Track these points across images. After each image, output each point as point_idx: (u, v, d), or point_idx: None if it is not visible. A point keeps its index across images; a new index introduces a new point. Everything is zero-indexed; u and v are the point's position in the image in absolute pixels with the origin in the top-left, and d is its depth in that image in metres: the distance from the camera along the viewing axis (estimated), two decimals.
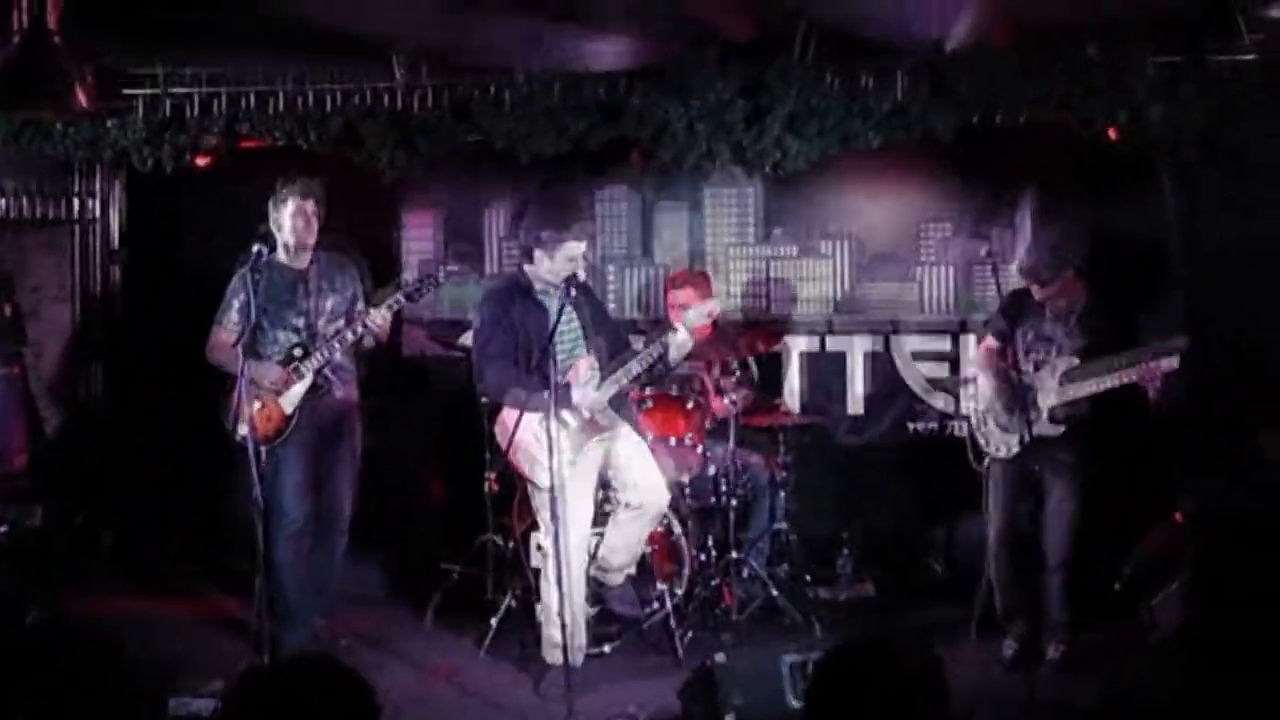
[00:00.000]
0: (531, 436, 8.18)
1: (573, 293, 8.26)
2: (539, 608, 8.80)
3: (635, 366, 8.42)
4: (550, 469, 7.92)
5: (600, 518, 8.67)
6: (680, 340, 8.41)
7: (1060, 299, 8.47)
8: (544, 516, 8.28)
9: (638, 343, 8.98)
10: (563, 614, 7.95)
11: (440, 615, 9.84)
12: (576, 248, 8.27)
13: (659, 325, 9.62)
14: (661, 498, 8.58)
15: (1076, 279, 8.46)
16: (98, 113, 10.12)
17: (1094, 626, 8.89)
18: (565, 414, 8.16)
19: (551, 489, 8.03)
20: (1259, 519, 7.52)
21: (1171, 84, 9.42)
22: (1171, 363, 8.04)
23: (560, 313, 8.31)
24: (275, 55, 10.15)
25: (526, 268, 8.43)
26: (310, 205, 8.72)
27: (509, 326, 8.31)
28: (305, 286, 8.83)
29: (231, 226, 9.42)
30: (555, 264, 8.24)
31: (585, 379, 8.30)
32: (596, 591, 8.91)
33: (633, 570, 8.79)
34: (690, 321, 8.37)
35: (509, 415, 8.32)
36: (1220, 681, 6.58)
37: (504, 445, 8.40)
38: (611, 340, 8.65)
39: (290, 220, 8.70)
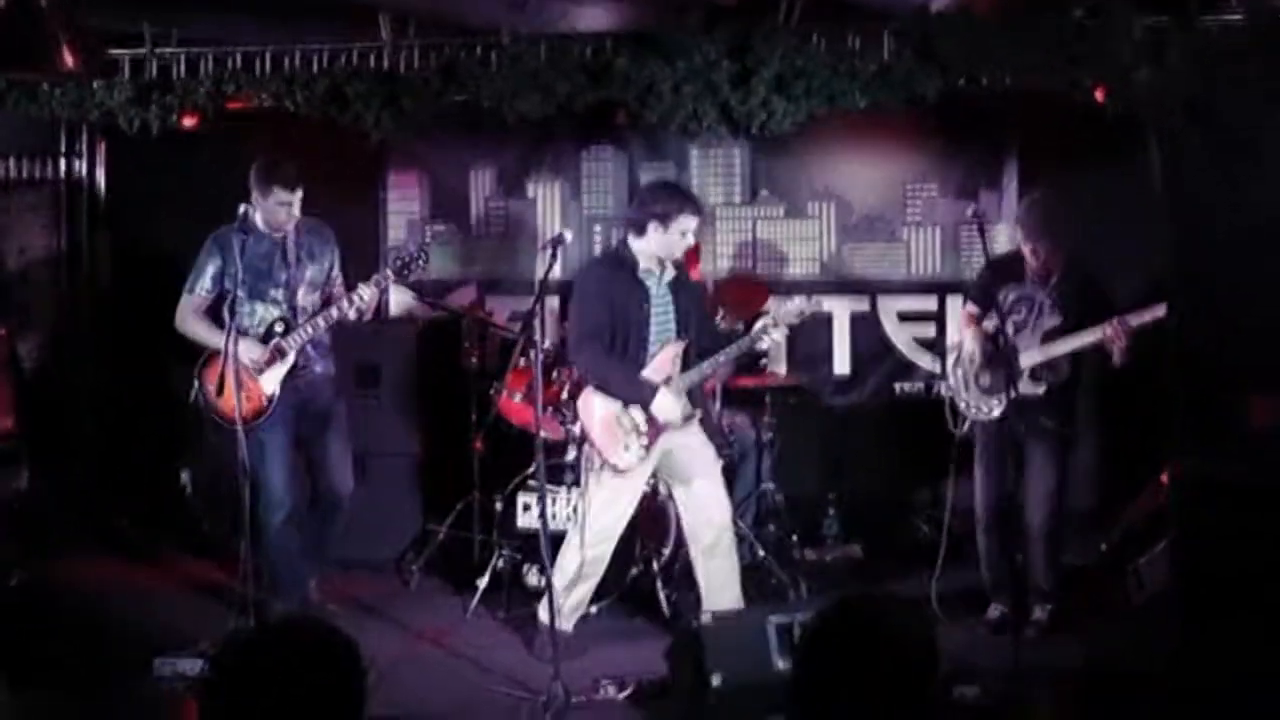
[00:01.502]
0: (613, 420, 8.25)
1: (674, 273, 8.40)
2: (527, 569, 8.84)
3: (722, 358, 8.44)
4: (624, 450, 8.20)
5: None
6: (778, 336, 8.45)
7: (1042, 260, 8.49)
8: (599, 492, 8.36)
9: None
10: (550, 576, 7.98)
11: (426, 577, 9.87)
12: (690, 222, 8.26)
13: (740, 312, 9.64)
14: (721, 526, 8.52)
15: (1056, 242, 8.48)
16: (84, 74, 10.08)
17: (1080, 588, 8.93)
18: (645, 407, 8.24)
19: (603, 468, 8.24)
20: (1243, 483, 7.54)
21: (1158, 47, 9.40)
22: (1138, 319, 8.08)
23: (659, 294, 8.37)
24: (262, 15, 10.11)
25: (633, 243, 8.36)
26: (295, 197, 8.56)
27: (608, 303, 8.29)
28: (284, 256, 8.70)
29: (216, 190, 9.40)
30: (669, 237, 8.23)
31: (670, 368, 8.32)
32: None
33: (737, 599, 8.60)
34: (787, 316, 8.40)
35: (593, 393, 8.34)
36: (1205, 642, 6.61)
37: (586, 420, 8.38)
38: (700, 330, 8.62)
39: (272, 208, 8.54)
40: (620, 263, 8.38)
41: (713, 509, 8.45)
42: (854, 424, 11.02)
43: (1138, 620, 8.47)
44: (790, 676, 4.05)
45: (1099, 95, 9.59)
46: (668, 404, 8.20)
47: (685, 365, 8.38)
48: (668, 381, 8.23)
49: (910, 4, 9.73)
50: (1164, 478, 8.86)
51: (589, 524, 8.36)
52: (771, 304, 9.77)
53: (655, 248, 8.27)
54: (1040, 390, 8.47)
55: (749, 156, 11.12)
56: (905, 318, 11.03)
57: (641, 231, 8.28)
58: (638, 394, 8.16)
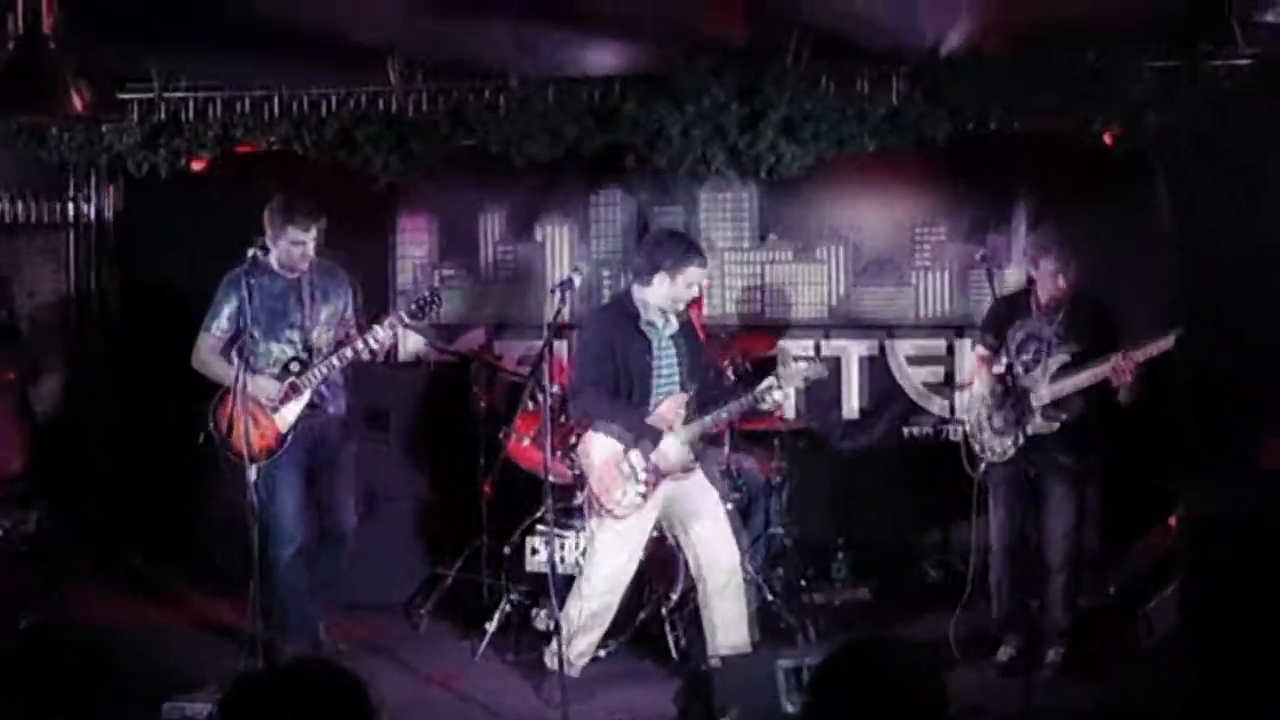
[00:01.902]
0: (614, 464, 8.23)
1: (678, 325, 8.40)
2: (535, 613, 8.84)
3: (724, 415, 8.43)
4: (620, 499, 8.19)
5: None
6: (780, 397, 8.41)
7: (1049, 293, 8.51)
8: (602, 538, 8.35)
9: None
10: (559, 622, 7.97)
11: (435, 620, 9.85)
12: (698, 274, 8.28)
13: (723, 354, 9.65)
14: (730, 569, 8.46)
15: (1060, 277, 8.49)
16: (93, 117, 10.10)
17: (1090, 631, 8.90)
18: (646, 453, 8.21)
19: (607, 511, 8.24)
20: (1254, 523, 7.53)
21: (1167, 89, 9.42)
22: (1144, 352, 8.08)
23: (662, 345, 8.36)
24: (271, 60, 10.13)
25: (637, 292, 8.35)
26: (310, 236, 8.61)
27: (609, 351, 8.28)
28: (298, 296, 8.74)
29: (226, 230, 9.42)
30: (675, 288, 8.22)
31: (672, 419, 8.29)
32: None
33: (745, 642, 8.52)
34: (792, 379, 8.42)
35: (593, 438, 8.33)
36: (1217, 685, 6.59)
37: (585, 464, 8.36)
38: (702, 383, 8.61)
39: (287, 248, 8.60)
40: (624, 312, 8.37)
41: (719, 551, 8.41)
42: (863, 467, 10.99)
43: (1150, 661, 8.45)
44: (800, 715, 4.05)
45: (1107, 138, 9.60)
46: (670, 452, 8.20)
47: (687, 417, 8.37)
48: (670, 431, 8.22)
49: (920, 47, 9.74)
50: (1171, 520, 8.85)
51: (591, 574, 8.35)
52: (780, 348, 9.80)
53: (661, 298, 8.26)
54: (1054, 427, 8.46)
55: (758, 199, 11.09)
56: (914, 360, 11.00)
57: (648, 281, 8.27)
58: (644, 432, 8.15)
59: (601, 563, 8.31)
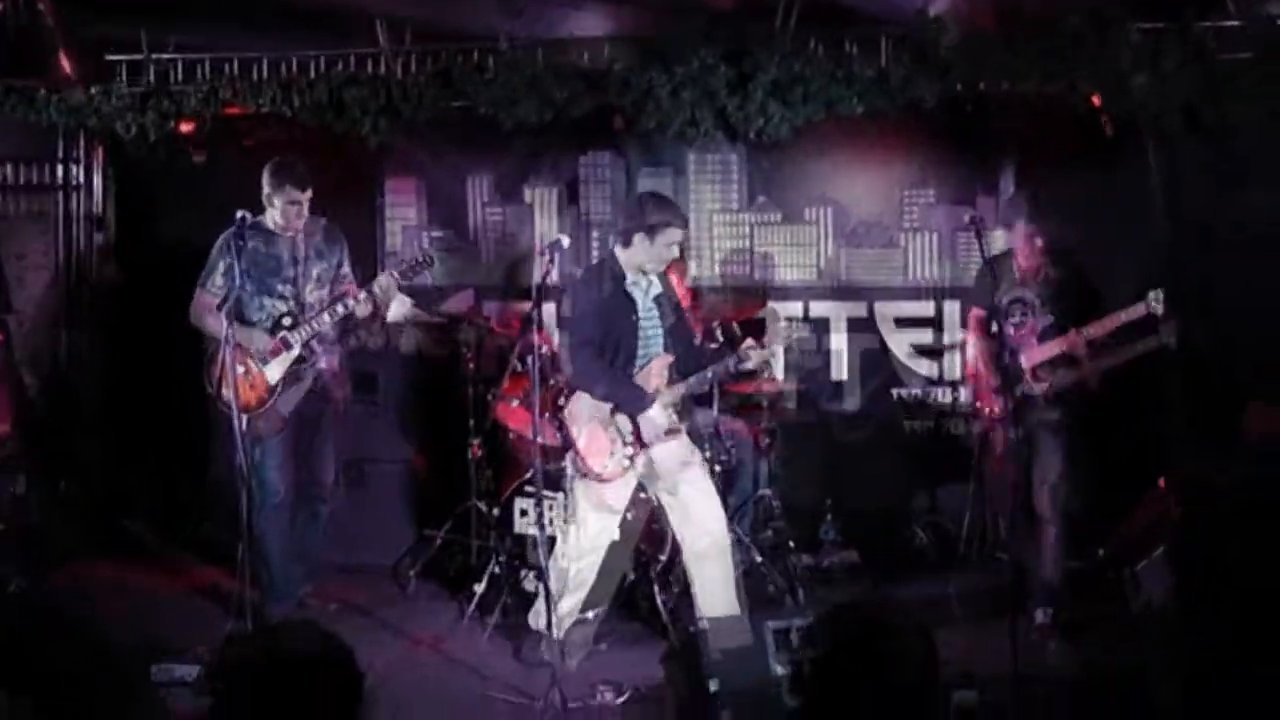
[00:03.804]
0: (601, 426, 8.25)
1: (660, 287, 8.42)
2: (524, 574, 8.85)
3: (708, 376, 8.44)
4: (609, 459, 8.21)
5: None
6: (762, 357, 8.45)
7: (1030, 259, 8.56)
8: (585, 501, 8.35)
9: None
10: (548, 581, 7.97)
11: (423, 582, 9.87)
12: (677, 234, 8.26)
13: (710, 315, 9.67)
14: (716, 534, 8.39)
15: (1034, 240, 8.55)
16: (81, 80, 10.09)
17: (1078, 593, 8.92)
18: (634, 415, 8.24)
19: (598, 477, 8.24)
20: (1241, 488, 7.55)
21: (1155, 53, 9.43)
22: (1101, 328, 8.17)
23: (646, 307, 8.37)
24: (258, 22, 10.11)
25: (620, 254, 8.36)
26: (306, 196, 8.77)
27: (598, 314, 8.30)
28: (292, 253, 8.87)
29: (215, 192, 9.43)
30: (655, 249, 8.21)
31: (657, 381, 8.29)
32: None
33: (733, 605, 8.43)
34: (775, 339, 8.57)
35: (580, 400, 8.34)
36: (1204, 648, 6.61)
37: (571, 429, 8.36)
38: (686, 344, 8.62)
39: (283, 208, 8.74)
40: (608, 274, 8.38)
41: (704, 515, 8.39)
42: (851, 430, 11.00)
43: (1138, 625, 8.47)
44: (788, 681, 4.05)
45: (1095, 101, 9.60)
46: (655, 416, 8.21)
47: (670, 379, 8.39)
48: (655, 394, 8.23)
49: (908, 9, 9.72)
50: (1161, 484, 8.87)
51: (575, 536, 8.37)
52: (769, 309, 9.81)
53: (641, 259, 8.26)
54: (1043, 388, 8.51)
55: (746, 162, 11.07)
56: (902, 323, 11.01)
57: (628, 242, 8.28)
58: (634, 399, 8.15)
59: (585, 525, 8.33)
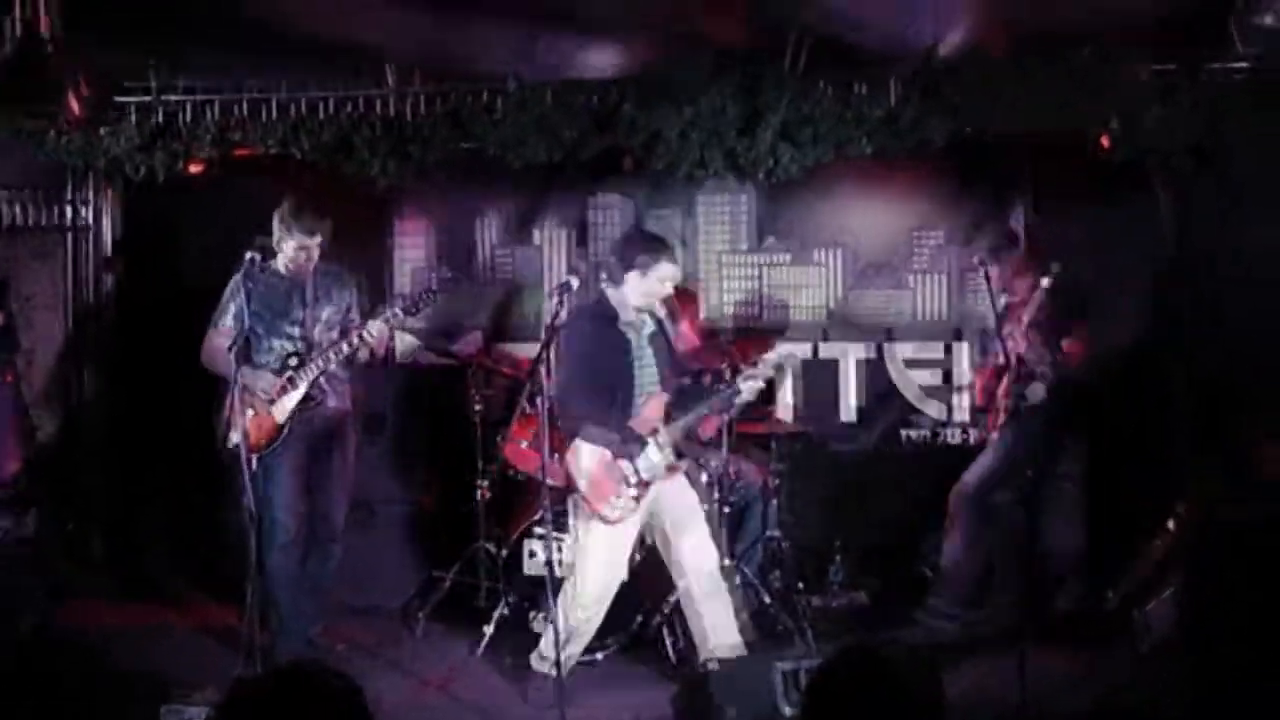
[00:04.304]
0: (606, 469, 8.22)
1: (654, 325, 8.47)
2: (533, 616, 8.83)
3: (704, 411, 8.49)
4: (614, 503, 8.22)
5: None
6: (755, 388, 8.49)
7: (1014, 291, 8.72)
8: (591, 543, 8.34)
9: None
10: (557, 623, 7.96)
11: (432, 623, 9.85)
12: (669, 269, 8.33)
13: (720, 357, 9.67)
14: (714, 570, 8.48)
15: (1026, 272, 8.71)
16: (91, 120, 10.10)
17: (1087, 633, 8.90)
18: (634, 457, 8.24)
19: (601, 519, 8.25)
20: (1253, 527, 7.53)
21: (1165, 92, 9.43)
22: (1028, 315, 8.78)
23: (640, 346, 8.41)
24: (268, 63, 10.14)
25: (611, 293, 8.42)
26: (316, 241, 8.82)
27: (592, 355, 8.33)
28: (301, 295, 8.91)
29: (226, 233, 9.45)
30: (647, 285, 8.29)
31: (655, 420, 8.31)
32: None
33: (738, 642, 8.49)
34: (764, 367, 8.55)
35: (580, 444, 8.32)
36: (1213, 688, 6.58)
37: (573, 471, 8.33)
38: (682, 382, 8.67)
39: (294, 252, 8.81)
40: (602, 314, 8.40)
41: (700, 554, 8.40)
42: (860, 471, 10.99)
43: (1146, 664, 8.45)
44: (797, 717, 4.05)
45: (1105, 140, 9.61)
46: (654, 457, 8.20)
47: (667, 418, 8.38)
48: (654, 433, 8.23)
49: (918, 50, 9.73)
50: (1170, 524, 8.86)
51: (581, 579, 8.34)
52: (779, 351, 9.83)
53: (635, 297, 8.29)
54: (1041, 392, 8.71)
55: (756, 203, 11.10)
56: (912, 364, 11.01)
57: (620, 281, 8.30)
58: (626, 447, 8.16)
59: (592, 568, 8.31)
